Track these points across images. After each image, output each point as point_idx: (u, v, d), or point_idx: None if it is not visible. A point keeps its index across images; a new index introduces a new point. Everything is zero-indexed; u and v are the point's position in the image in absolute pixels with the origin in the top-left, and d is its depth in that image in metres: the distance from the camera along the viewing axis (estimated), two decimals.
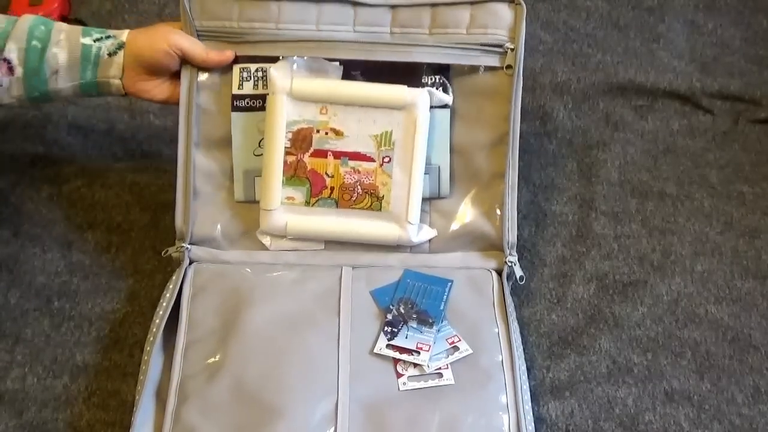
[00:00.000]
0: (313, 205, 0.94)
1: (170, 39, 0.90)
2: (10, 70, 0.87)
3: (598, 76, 1.20)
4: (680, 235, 1.04)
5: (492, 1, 0.91)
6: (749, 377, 0.91)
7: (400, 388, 0.82)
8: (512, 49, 0.91)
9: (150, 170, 1.07)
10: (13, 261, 0.97)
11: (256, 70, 0.93)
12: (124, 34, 0.90)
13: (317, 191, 0.93)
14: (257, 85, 0.93)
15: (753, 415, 0.88)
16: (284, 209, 0.94)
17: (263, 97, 0.93)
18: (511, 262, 0.93)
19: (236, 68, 0.93)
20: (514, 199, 0.94)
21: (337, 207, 0.94)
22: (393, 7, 0.92)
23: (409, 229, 0.93)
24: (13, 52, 0.86)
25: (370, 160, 0.92)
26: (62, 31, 0.89)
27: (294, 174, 0.93)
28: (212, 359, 0.83)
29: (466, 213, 0.96)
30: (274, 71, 0.91)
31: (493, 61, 0.92)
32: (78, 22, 1.19)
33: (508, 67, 0.92)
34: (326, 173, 0.93)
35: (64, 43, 0.88)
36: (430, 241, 0.95)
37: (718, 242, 1.04)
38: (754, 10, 1.30)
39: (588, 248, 1.02)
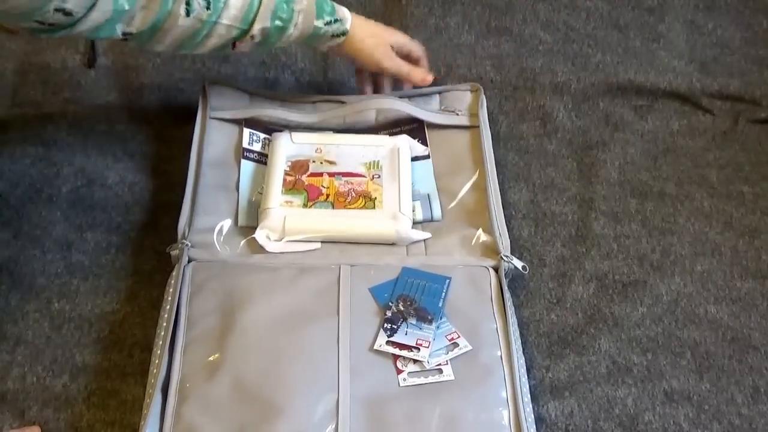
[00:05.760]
0: (310, 207, 0.97)
1: (381, 62, 1.05)
2: (252, 38, 0.95)
3: (598, 76, 1.20)
4: (680, 235, 1.04)
5: (454, 90, 1.11)
6: (749, 377, 0.91)
7: (401, 384, 0.82)
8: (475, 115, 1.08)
9: (150, 170, 1.07)
10: (13, 263, 0.97)
11: (264, 139, 1.06)
12: (348, 22, 1.00)
13: (314, 197, 0.98)
14: (264, 148, 1.05)
15: (753, 415, 0.88)
16: (282, 209, 0.96)
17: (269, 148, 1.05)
18: (508, 258, 0.93)
19: (246, 131, 1.06)
20: (502, 223, 0.98)
21: (333, 208, 0.97)
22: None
23: (403, 220, 0.95)
24: (257, 31, 0.94)
25: (361, 176, 1.01)
26: (300, 12, 0.96)
27: (293, 187, 0.99)
28: (212, 358, 0.83)
29: (458, 230, 0.98)
30: (276, 137, 1.05)
31: (463, 121, 1.09)
32: None
33: (474, 127, 1.08)
34: (322, 186, 1.00)
35: (300, 25, 0.97)
36: (425, 245, 0.96)
37: (717, 242, 1.04)
38: (754, 10, 1.30)
39: (588, 248, 1.02)
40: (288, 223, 0.94)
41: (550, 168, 1.11)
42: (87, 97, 1.14)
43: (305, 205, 0.97)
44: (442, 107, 1.10)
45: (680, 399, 0.89)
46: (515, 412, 0.81)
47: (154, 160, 1.08)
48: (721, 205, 1.08)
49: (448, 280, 0.91)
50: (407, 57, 1.08)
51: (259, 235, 0.94)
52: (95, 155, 1.08)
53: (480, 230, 0.97)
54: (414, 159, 1.04)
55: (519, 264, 0.93)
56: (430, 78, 1.08)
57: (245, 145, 1.04)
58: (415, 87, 1.10)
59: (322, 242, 0.95)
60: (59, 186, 1.04)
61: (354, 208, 0.97)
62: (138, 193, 1.05)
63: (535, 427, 0.81)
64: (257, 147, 1.05)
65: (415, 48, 1.09)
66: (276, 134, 1.05)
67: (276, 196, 0.97)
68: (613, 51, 1.23)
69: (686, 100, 1.19)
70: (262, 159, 1.04)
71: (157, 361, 0.83)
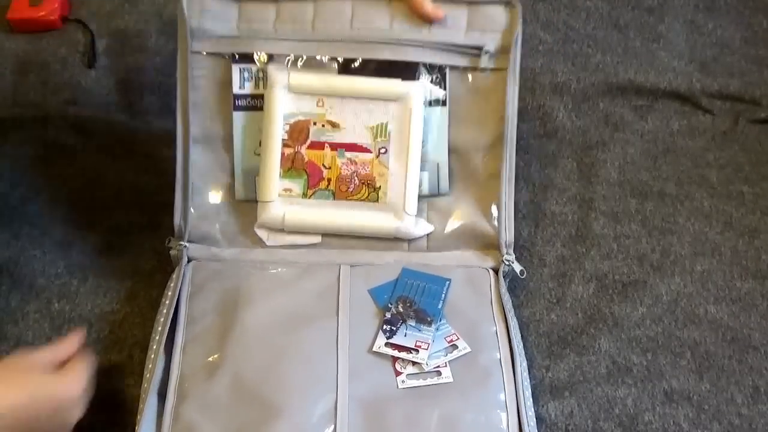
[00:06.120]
0: (310, 197, 0.95)
1: None
2: None
3: (598, 76, 1.20)
4: (680, 235, 1.04)
5: (488, 3, 0.93)
6: (749, 377, 0.91)
7: (399, 386, 0.82)
8: (506, 52, 0.92)
9: (150, 170, 1.07)
10: (13, 264, 0.97)
11: (257, 71, 0.94)
12: None
13: (314, 183, 0.94)
14: (258, 86, 0.94)
15: (752, 415, 0.88)
16: (282, 201, 0.94)
17: (263, 97, 0.94)
18: (509, 260, 0.93)
19: (236, 68, 0.94)
20: (511, 199, 0.94)
21: (334, 199, 0.94)
22: (391, 0, 0.93)
23: (407, 219, 0.94)
24: None
25: (367, 151, 0.94)
26: None
27: (291, 166, 0.94)
28: (211, 357, 0.83)
29: (463, 212, 0.96)
30: (272, 66, 0.93)
31: (489, 63, 0.94)
32: (78, 22, 1.19)
33: (501, 69, 0.93)
34: (323, 165, 0.94)
35: None
36: (428, 239, 0.96)
37: (717, 242, 1.04)
38: (754, 10, 1.30)
39: (587, 248, 1.02)
40: (287, 220, 0.94)
41: (550, 168, 1.11)
42: (87, 97, 1.14)
43: (305, 194, 0.94)
44: (469, 30, 0.93)
45: (680, 399, 0.89)
46: (517, 415, 0.81)
47: (154, 160, 1.08)
48: (721, 205, 1.08)
49: (447, 282, 0.91)
50: None
51: (259, 229, 0.94)
52: (95, 155, 1.08)
53: (485, 222, 0.95)
54: (429, 104, 0.94)
55: (518, 268, 0.93)
56: (441, 13, 0.92)
57: (236, 90, 0.93)
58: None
59: (322, 235, 0.95)
60: (59, 186, 1.04)
61: (356, 200, 0.95)
62: (138, 193, 1.05)
63: (536, 430, 0.81)
64: (248, 88, 0.93)
65: None
66: (271, 73, 0.93)
67: (274, 183, 0.93)
68: (613, 51, 1.23)
69: (686, 100, 1.19)
70: (256, 103, 0.94)
71: (150, 366, 0.83)
